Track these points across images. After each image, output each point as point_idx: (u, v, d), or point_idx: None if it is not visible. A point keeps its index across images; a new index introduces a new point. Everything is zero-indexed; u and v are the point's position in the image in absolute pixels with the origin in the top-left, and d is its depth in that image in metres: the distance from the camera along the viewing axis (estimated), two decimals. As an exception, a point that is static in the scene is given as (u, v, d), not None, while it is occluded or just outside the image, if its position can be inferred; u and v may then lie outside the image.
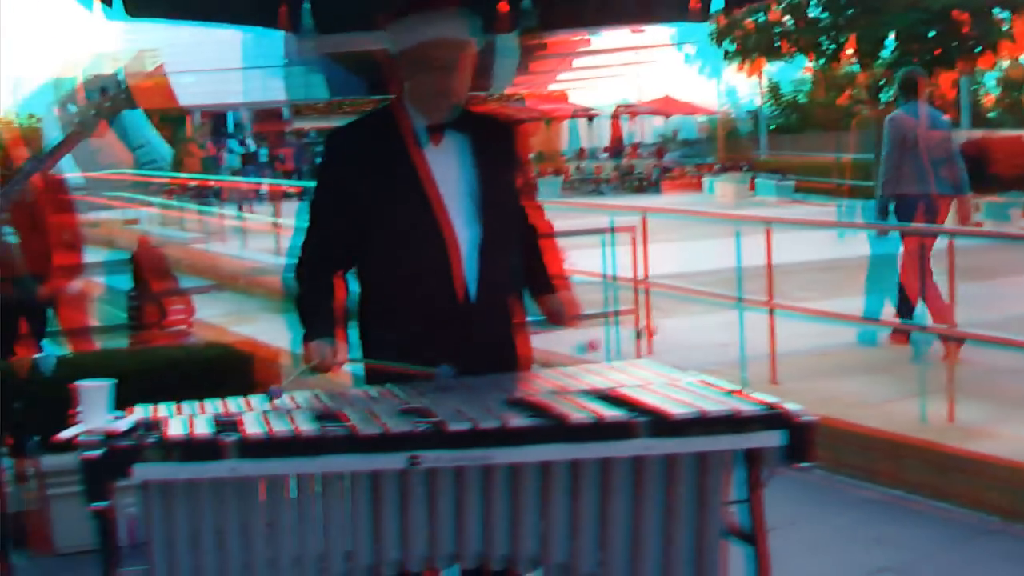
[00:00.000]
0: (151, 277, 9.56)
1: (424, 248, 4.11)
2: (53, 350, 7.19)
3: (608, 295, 10.45)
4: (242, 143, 45.97)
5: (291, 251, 4.34)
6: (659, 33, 48.83)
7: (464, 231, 4.13)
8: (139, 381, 6.44)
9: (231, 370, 6.89)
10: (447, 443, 3.35)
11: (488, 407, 3.53)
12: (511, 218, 4.31)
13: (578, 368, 4.20)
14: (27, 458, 6.27)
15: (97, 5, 4.87)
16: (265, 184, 28.31)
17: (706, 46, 34.58)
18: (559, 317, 4.37)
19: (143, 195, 29.11)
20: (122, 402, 3.72)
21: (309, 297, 4.25)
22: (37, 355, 6.66)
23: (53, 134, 36.97)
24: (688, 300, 11.58)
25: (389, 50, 4.23)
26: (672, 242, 16.45)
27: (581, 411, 3.47)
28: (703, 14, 5.22)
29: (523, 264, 4.36)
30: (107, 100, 4.21)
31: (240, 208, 24.82)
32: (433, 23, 4.13)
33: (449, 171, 4.18)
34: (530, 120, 46.39)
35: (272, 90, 47.17)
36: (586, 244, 10.63)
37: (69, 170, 36.14)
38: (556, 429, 3.40)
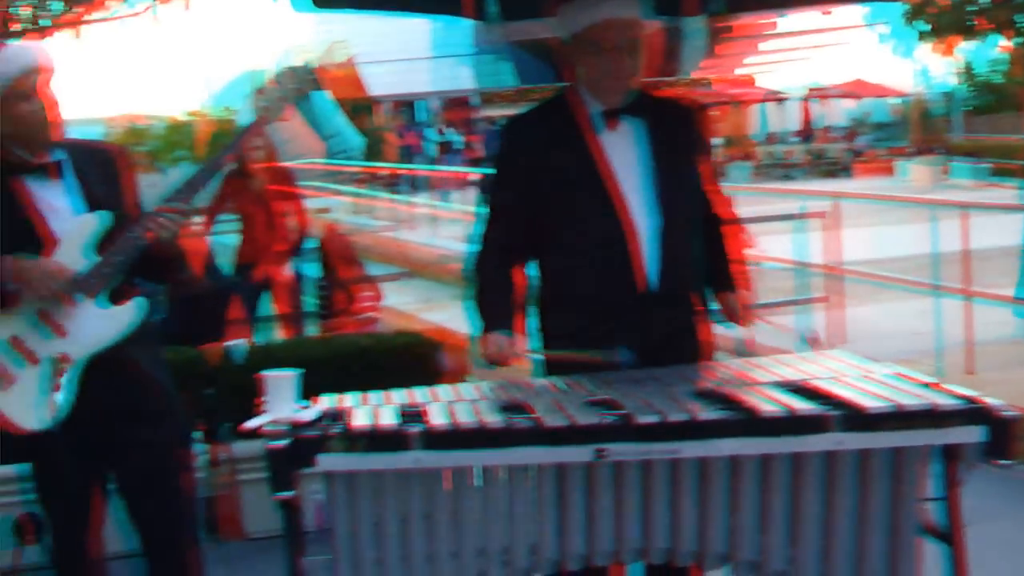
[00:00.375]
0: (339, 264, 9.66)
1: (603, 236, 4.04)
2: (247, 338, 7.29)
3: (799, 282, 10.22)
4: (440, 132, 46.46)
5: (471, 240, 4.31)
6: (850, 14, 47.79)
7: (643, 218, 4.04)
8: (328, 369, 6.56)
9: (420, 358, 6.91)
10: (635, 436, 3.28)
11: (676, 399, 3.44)
12: (692, 205, 4.19)
13: (767, 358, 4.08)
14: (219, 444, 6.39)
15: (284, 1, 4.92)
16: (455, 171, 28.49)
17: (899, 26, 33.75)
18: (734, 315, 4.25)
19: (334, 184, 29.59)
20: (311, 390, 3.74)
21: (488, 288, 4.22)
22: (229, 342, 6.77)
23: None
24: (882, 287, 11.27)
25: (561, 36, 4.17)
26: (865, 227, 16.08)
27: (772, 403, 3.35)
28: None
29: (704, 254, 4.25)
30: (291, 81, 4.20)
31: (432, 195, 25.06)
32: (602, 4, 4.05)
33: (626, 157, 4.10)
34: (718, 104, 45.84)
35: (461, 78, 47.58)
36: (776, 230, 10.45)
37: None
38: (747, 422, 3.29)
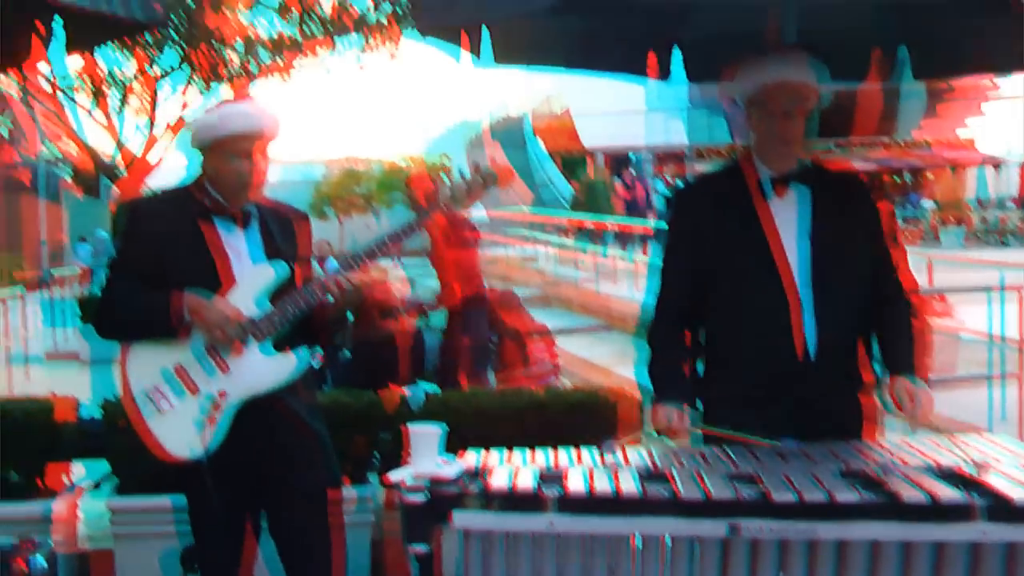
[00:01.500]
0: (505, 315, 9.78)
1: (764, 302, 4.03)
2: (424, 387, 7.39)
3: (993, 356, 9.89)
4: (668, 184, 46.43)
5: (645, 301, 4.32)
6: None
7: (805, 284, 4.01)
8: (503, 423, 6.61)
9: (595, 415, 6.89)
10: (771, 513, 3.22)
11: (819, 477, 3.37)
12: (855, 276, 4.13)
13: (927, 440, 3.95)
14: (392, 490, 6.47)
15: (465, 55, 5.01)
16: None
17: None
18: (905, 407, 4.05)
19: (541, 233, 29.80)
20: (484, 442, 3.91)
21: (660, 356, 4.25)
22: (407, 389, 6.87)
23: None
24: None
25: (736, 100, 4.17)
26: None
27: (916, 488, 3.25)
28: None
29: (878, 332, 4.16)
30: (479, 176, 4.32)
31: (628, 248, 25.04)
32: (774, 66, 4.06)
33: (792, 224, 4.09)
34: (933, 167, 44.79)
35: (674, 132, 47.49)
36: (977, 300, 10.13)
37: (474, 208, 37.67)
38: (887, 507, 3.20)
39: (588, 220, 28.10)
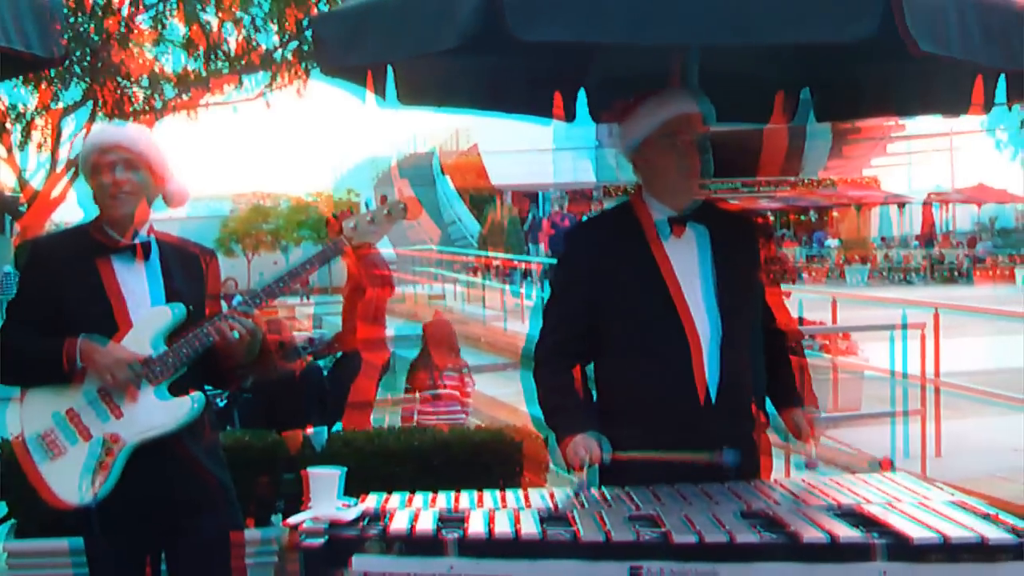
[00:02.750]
0: (436, 350, 9.80)
1: (663, 343, 4.01)
2: (324, 427, 7.34)
3: (896, 393, 10.04)
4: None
5: (528, 342, 4.31)
6: (969, 119, 47.31)
7: (705, 326, 4.01)
8: (409, 462, 6.57)
9: (500, 455, 6.87)
10: (671, 555, 3.21)
11: (720, 518, 3.37)
12: (752, 315, 4.16)
13: (826, 479, 3.98)
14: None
15: (370, 96, 4.99)
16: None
17: (1016, 132, 33.21)
18: (798, 432, 4.17)
19: (449, 271, 29.84)
20: (388, 483, 3.88)
21: (555, 392, 4.18)
22: (310, 430, 6.82)
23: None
24: (982, 402, 11.00)
25: (626, 147, 4.19)
26: (974, 337, 15.74)
27: (817, 528, 3.27)
28: (986, 107, 4.96)
29: (768, 368, 4.19)
30: (386, 209, 4.29)
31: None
32: (676, 100, 4.12)
33: (689, 264, 4.08)
34: (838, 206, 45.52)
35: (582, 171, 47.79)
36: (880, 338, 10.29)
37: (382, 245, 37.57)
38: (788, 547, 3.21)
39: (496, 258, 28.23)
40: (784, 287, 4.58)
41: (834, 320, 13.76)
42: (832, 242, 43.99)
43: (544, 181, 47.04)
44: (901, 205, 48.58)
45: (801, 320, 13.95)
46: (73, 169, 13.52)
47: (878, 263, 41.69)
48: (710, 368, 4.00)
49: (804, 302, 12.82)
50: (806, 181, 46.66)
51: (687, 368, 3.99)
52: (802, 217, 47.76)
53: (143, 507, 4.09)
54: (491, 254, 29.35)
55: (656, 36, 3.81)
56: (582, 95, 5.66)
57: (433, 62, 4.96)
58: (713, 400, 4.00)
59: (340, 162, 57.63)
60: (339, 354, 9.73)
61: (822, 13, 3.68)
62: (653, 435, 3.96)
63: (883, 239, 46.24)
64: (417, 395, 9.54)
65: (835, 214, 47.45)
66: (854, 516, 3.43)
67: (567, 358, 4.19)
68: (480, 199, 44.87)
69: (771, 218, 42.34)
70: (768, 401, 4.23)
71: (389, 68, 4.93)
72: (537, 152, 44.98)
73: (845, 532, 3.24)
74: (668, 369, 4.01)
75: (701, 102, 4.18)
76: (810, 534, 3.23)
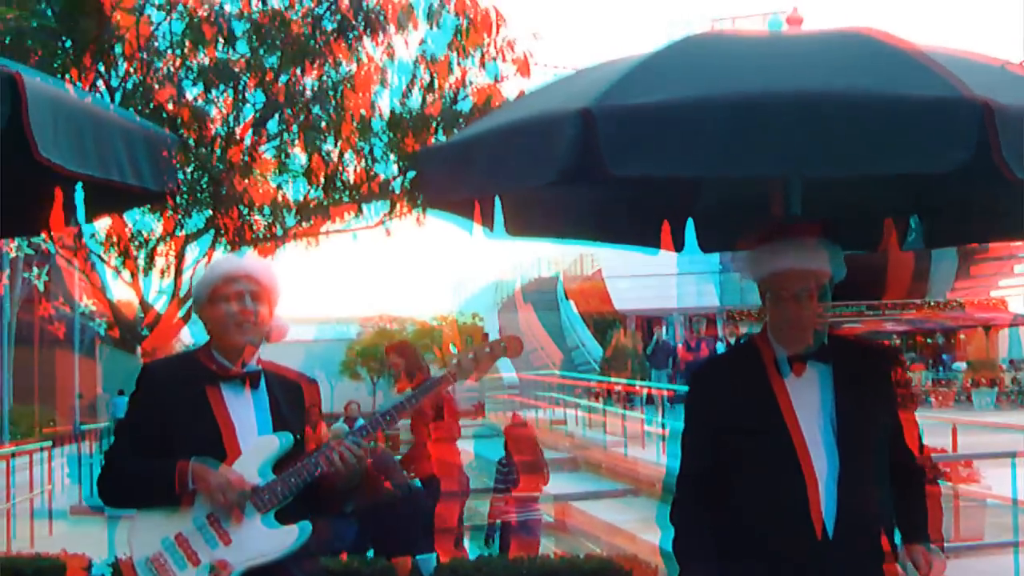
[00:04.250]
0: (515, 450, 10.14)
1: (780, 481, 4.03)
2: (433, 554, 7.36)
3: (1020, 521, 9.75)
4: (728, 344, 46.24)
5: (670, 466, 4.32)
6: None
7: (823, 464, 4.01)
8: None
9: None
10: None
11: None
12: (877, 451, 4.13)
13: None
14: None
15: (477, 228, 5.07)
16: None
17: None
18: (921, 572, 4.08)
19: (571, 396, 29.74)
20: None
21: (686, 535, 4.22)
22: (419, 557, 6.85)
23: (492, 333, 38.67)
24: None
25: (747, 275, 4.20)
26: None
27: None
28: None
29: (897, 502, 4.16)
30: (486, 347, 4.38)
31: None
32: (783, 253, 4.09)
33: (811, 402, 4.09)
34: (965, 327, 44.64)
35: (706, 295, 47.57)
36: (1002, 464, 10.06)
37: (505, 369, 37.65)
38: None
39: (618, 383, 28.08)
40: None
41: (954, 447, 13.42)
42: (959, 365, 43.08)
43: (668, 305, 46.89)
44: (1031, 327, 47.45)
45: (922, 448, 13.68)
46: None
47: (1006, 386, 40.67)
48: (827, 504, 3.99)
49: (926, 428, 12.52)
50: (932, 303, 45.89)
51: (803, 504, 3.99)
52: (928, 340, 46.88)
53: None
54: (613, 379, 29.25)
55: (747, 169, 3.85)
56: (690, 225, 5.68)
57: (538, 194, 5.05)
58: (831, 536, 3.97)
59: (464, 286, 58.09)
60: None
61: (916, 144, 3.68)
62: (771, 569, 3.99)
63: (1012, 361, 45.16)
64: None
65: (962, 336, 46.51)
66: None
67: (703, 496, 4.21)
68: (603, 324, 44.84)
69: (897, 341, 41.61)
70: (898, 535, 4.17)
71: (497, 200, 4.99)
72: (660, 277, 44.87)
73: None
74: (784, 505, 4.02)
75: (817, 249, 4.14)
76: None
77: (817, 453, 4.03)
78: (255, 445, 4.23)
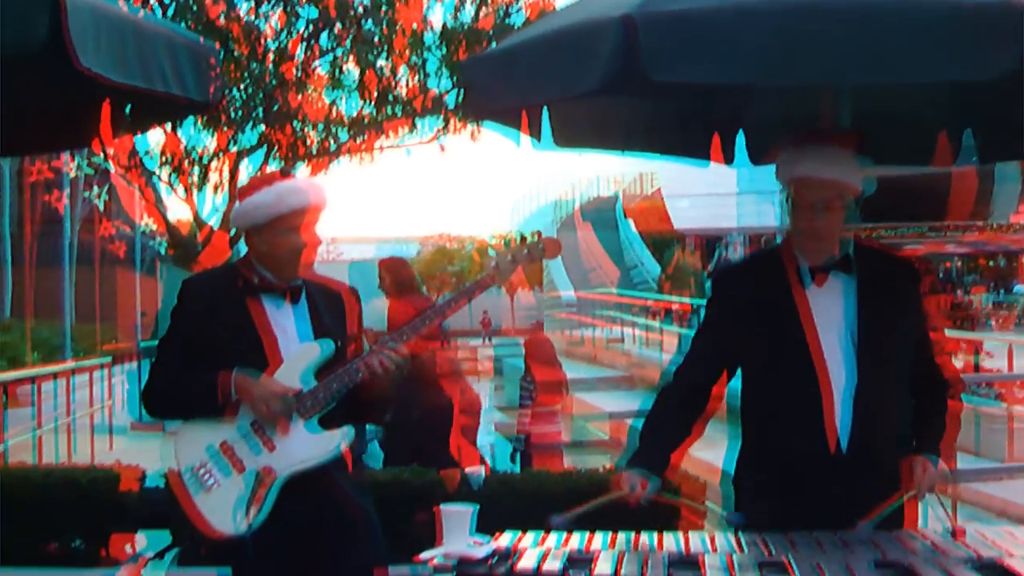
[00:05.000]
0: (535, 364, 10.06)
1: (795, 392, 3.96)
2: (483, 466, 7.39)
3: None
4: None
5: (667, 369, 4.31)
6: None
7: (841, 376, 3.94)
8: (563, 502, 6.56)
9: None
10: (796, 603, 3.16)
11: (853, 567, 3.30)
12: (898, 364, 4.05)
13: (974, 532, 3.84)
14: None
15: (525, 138, 5.03)
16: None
17: None
18: (912, 478, 4.00)
19: (628, 315, 29.75)
20: (542, 522, 3.82)
21: (655, 421, 4.21)
22: (468, 469, 6.88)
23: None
24: None
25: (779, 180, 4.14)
26: None
27: (948, 580, 3.17)
28: None
29: (917, 417, 4.11)
30: (524, 248, 4.34)
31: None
32: (802, 161, 4.01)
33: (832, 313, 4.01)
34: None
35: (765, 215, 47.25)
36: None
37: (564, 288, 37.66)
38: (916, 599, 3.13)
39: (675, 302, 28.07)
40: (968, 334, 4.46)
41: (1010, 367, 13.30)
42: (1021, 288, 42.62)
43: (727, 225, 46.64)
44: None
45: (978, 367, 13.52)
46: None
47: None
48: (843, 417, 3.94)
49: (984, 349, 12.45)
50: (995, 225, 45.32)
51: (817, 416, 3.94)
52: (990, 263, 46.40)
53: (293, 538, 4.20)
54: (671, 297, 29.23)
55: (790, 77, 3.80)
56: (741, 137, 5.62)
57: (585, 103, 5.00)
58: (845, 450, 3.93)
59: (523, 205, 58.00)
60: None
61: (961, 50, 3.60)
62: (785, 481, 3.94)
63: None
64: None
65: (1024, 259, 45.99)
66: (993, 569, 3.32)
67: (691, 395, 4.20)
68: (662, 243, 44.72)
69: (959, 264, 41.18)
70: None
71: (544, 110, 4.96)
72: (720, 196, 44.60)
73: (977, 586, 3.13)
74: (798, 417, 3.97)
75: (841, 160, 4.04)
76: (941, 586, 3.13)
77: (835, 365, 3.96)
78: (297, 352, 4.25)
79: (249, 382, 4.14)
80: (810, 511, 3.82)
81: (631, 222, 48.09)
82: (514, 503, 6.23)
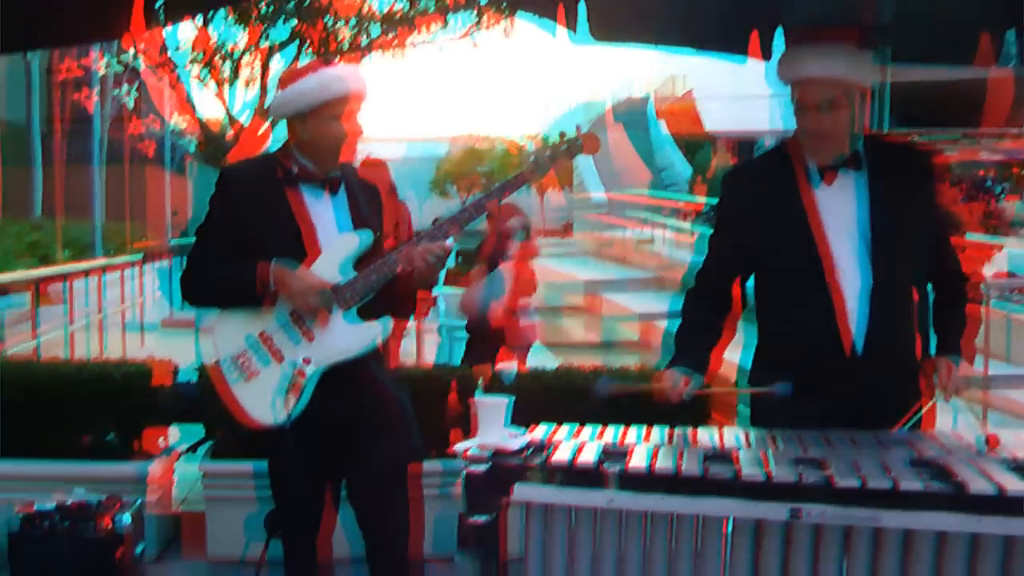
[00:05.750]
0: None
1: (807, 296, 3.92)
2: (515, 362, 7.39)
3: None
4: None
5: (693, 262, 4.28)
6: None
7: (853, 278, 3.90)
8: (595, 399, 6.59)
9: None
10: (833, 498, 3.15)
11: (888, 465, 3.30)
12: (914, 262, 3.99)
13: (1012, 434, 3.82)
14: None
15: (561, 30, 4.98)
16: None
17: None
18: (942, 383, 3.97)
19: (659, 216, 29.61)
20: (573, 419, 3.85)
21: (687, 325, 4.19)
22: (500, 364, 6.89)
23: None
24: None
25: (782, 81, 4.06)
26: None
27: (985, 480, 3.16)
28: None
29: (935, 315, 4.08)
30: (563, 144, 4.30)
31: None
32: (803, 60, 3.92)
33: (843, 212, 3.96)
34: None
35: (797, 118, 46.77)
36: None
37: (594, 188, 37.51)
38: (953, 497, 3.11)
39: (706, 203, 27.87)
40: (998, 239, 4.40)
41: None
42: (1055, 196, 42.22)
43: (759, 128, 46.28)
44: None
45: (1011, 274, 13.43)
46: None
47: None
48: (858, 319, 3.89)
49: (1015, 256, 12.37)
50: (1030, 130, 44.83)
51: (830, 318, 3.90)
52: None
53: (330, 429, 4.23)
54: (703, 199, 29.04)
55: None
56: (779, 34, 5.53)
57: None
58: (860, 351, 3.89)
59: (554, 106, 57.73)
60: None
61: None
62: (800, 383, 3.88)
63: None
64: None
65: (1065, 167, 45.51)
66: (1029, 470, 3.30)
67: (715, 297, 4.18)
68: (694, 144, 44.41)
69: (992, 171, 40.77)
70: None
71: (582, 2, 4.89)
72: (752, 98, 44.19)
73: (1015, 485, 3.12)
74: (809, 321, 3.93)
75: (846, 59, 3.92)
76: (977, 485, 3.12)
77: (848, 266, 3.91)
78: (336, 243, 4.24)
79: (288, 274, 4.14)
80: (825, 414, 3.80)
81: (662, 123, 47.72)
82: (546, 399, 6.23)
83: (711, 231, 4.28)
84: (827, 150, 3.97)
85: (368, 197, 4.43)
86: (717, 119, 45.42)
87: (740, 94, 43.48)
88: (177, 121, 31.24)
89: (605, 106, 52.27)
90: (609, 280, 23.19)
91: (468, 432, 6.72)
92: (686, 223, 28.47)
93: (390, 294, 4.31)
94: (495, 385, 6.75)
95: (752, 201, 4.08)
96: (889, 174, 4.00)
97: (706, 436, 3.70)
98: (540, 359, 9.79)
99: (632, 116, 48.72)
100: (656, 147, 46.83)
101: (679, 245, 26.67)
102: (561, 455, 3.40)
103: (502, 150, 49.98)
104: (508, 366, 6.92)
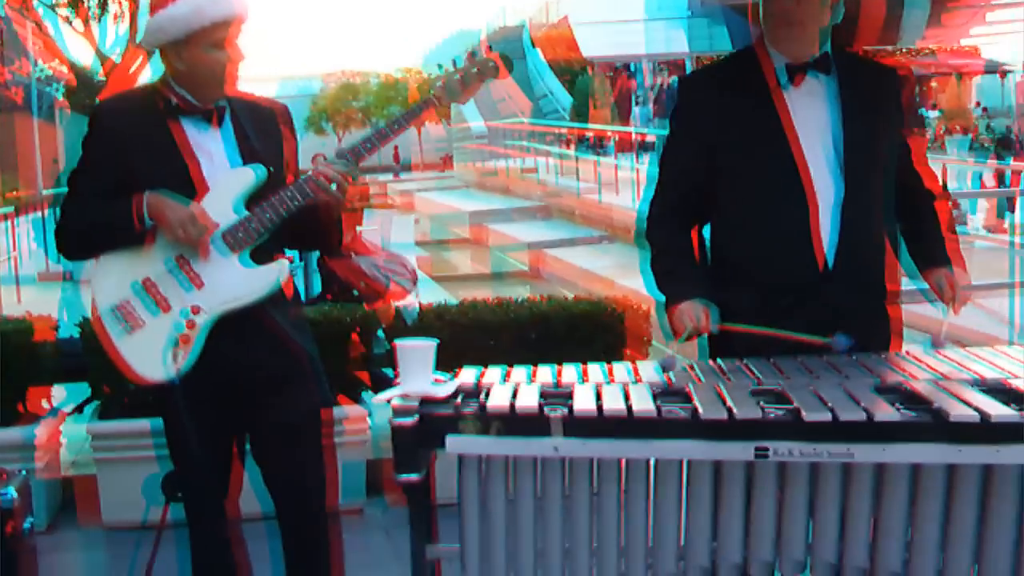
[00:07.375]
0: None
1: (780, 204, 3.66)
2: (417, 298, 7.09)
3: (1016, 263, 9.58)
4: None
5: (640, 209, 3.96)
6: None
7: (827, 186, 3.65)
8: (504, 335, 6.30)
9: (600, 327, 6.56)
10: (802, 434, 2.88)
11: (854, 394, 3.03)
12: (884, 174, 3.75)
13: (966, 350, 3.59)
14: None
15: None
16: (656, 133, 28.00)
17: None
18: (944, 295, 3.77)
19: (541, 144, 29.41)
20: (482, 355, 3.60)
21: (668, 255, 3.87)
22: (400, 302, 6.59)
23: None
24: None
25: None
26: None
27: (964, 405, 2.90)
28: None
29: (910, 230, 3.83)
30: (474, 66, 3.95)
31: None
32: None
33: (813, 117, 3.70)
34: (938, 75, 44.33)
35: (674, 41, 46.84)
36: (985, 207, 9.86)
37: (472, 119, 37.18)
38: (932, 426, 2.86)
39: (589, 129, 27.76)
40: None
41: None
42: (932, 113, 42.84)
43: (636, 52, 46.22)
44: (1003, 74, 47.15)
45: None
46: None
47: (979, 133, 40.51)
48: (830, 231, 3.65)
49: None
50: (904, 50, 45.34)
51: (804, 230, 3.64)
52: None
53: (227, 382, 3.84)
54: (586, 125, 28.88)
55: None
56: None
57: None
58: (831, 266, 3.65)
59: (428, 37, 57.20)
60: None
61: None
62: (768, 301, 3.64)
63: (984, 109, 44.91)
64: None
65: (934, 84, 46.18)
66: (1003, 392, 3.05)
67: (684, 216, 3.87)
68: (571, 71, 44.28)
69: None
70: (913, 265, 3.87)
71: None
72: (628, 23, 44.12)
73: (997, 410, 2.87)
74: (783, 231, 3.67)
75: None
76: (958, 411, 2.86)
77: (820, 174, 3.66)
78: (226, 179, 3.84)
79: (164, 203, 3.71)
80: (797, 331, 3.54)
81: (539, 51, 47.52)
82: (452, 336, 5.93)
83: (665, 149, 3.96)
84: (794, 40, 3.70)
85: (261, 126, 4.02)
86: (592, 45, 45.35)
87: (615, 18, 43.41)
88: (43, 68, 30.16)
89: (480, 35, 51.94)
90: (495, 210, 22.98)
91: (372, 376, 6.52)
92: (570, 151, 28.30)
93: (291, 234, 3.94)
94: (397, 323, 6.45)
95: (717, 104, 3.78)
96: (859, 82, 3.76)
97: (651, 371, 3.38)
98: (434, 295, 9.51)
99: (508, 44, 48.40)
100: (533, 76, 46.68)
101: (564, 172, 26.48)
102: (497, 400, 3.07)
103: (377, 84, 49.40)
104: (410, 302, 6.63)
